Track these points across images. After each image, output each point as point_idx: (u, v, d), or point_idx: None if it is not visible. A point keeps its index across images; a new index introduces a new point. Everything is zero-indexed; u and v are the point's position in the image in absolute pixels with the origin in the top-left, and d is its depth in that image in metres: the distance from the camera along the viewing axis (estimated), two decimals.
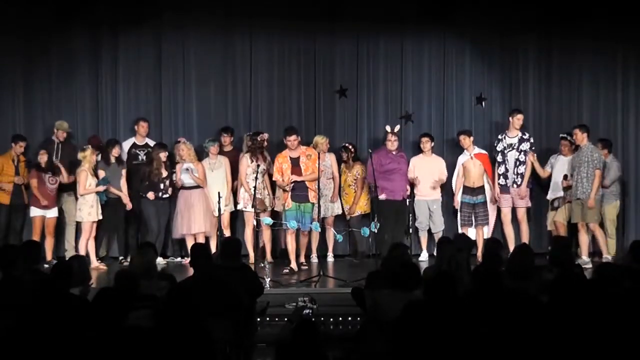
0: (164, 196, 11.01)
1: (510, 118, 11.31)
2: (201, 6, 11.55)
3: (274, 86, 11.92)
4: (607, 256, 10.71)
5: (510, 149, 11.25)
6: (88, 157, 10.53)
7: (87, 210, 10.54)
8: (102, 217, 10.73)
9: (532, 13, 11.90)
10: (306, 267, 10.56)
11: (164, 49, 11.69)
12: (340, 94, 11.94)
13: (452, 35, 12.12)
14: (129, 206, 10.88)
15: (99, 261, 10.73)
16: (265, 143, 10.97)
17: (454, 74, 12.14)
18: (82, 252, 10.29)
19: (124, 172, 10.89)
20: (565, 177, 10.91)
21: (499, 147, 11.32)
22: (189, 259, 10.70)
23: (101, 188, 10.60)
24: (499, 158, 11.30)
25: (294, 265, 10.27)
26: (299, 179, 10.17)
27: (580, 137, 10.72)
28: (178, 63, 11.71)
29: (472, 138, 11.31)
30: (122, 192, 10.81)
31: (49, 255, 10.63)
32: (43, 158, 10.62)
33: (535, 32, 12.13)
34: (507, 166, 11.23)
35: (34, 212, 10.65)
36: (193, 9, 11.56)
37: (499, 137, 11.39)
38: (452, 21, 11.86)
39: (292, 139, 10.22)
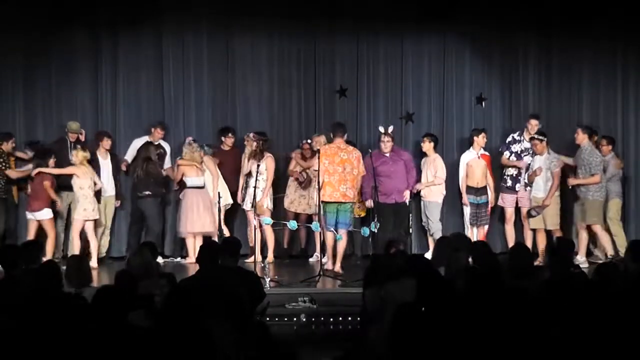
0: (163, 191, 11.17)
1: (526, 123, 11.23)
2: (201, 6, 11.55)
3: (274, 86, 11.93)
4: (598, 254, 10.74)
5: (527, 153, 11.17)
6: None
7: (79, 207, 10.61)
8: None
9: (532, 13, 11.91)
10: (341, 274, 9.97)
11: (164, 48, 11.68)
12: (340, 94, 11.95)
13: (452, 35, 12.13)
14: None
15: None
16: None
17: (454, 74, 12.15)
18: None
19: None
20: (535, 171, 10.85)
21: (515, 148, 11.21)
22: (189, 257, 10.93)
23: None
24: (513, 158, 11.22)
25: (338, 268, 9.97)
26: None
27: (581, 137, 10.73)
28: (178, 63, 11.71)
29: (485, 140, 11.29)
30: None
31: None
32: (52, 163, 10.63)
33: (535, 31, 12.15)
34: (520, 169, 11.17)
35: (46, 214, 10.58)
36: (193, 8, 11.56)
37: (516, 136, 11.26)
38: (452, 21, 11.86)
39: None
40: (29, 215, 10.55)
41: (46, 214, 10.53)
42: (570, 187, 10.89)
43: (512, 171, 11.22)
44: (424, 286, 5.42)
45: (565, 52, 12.21)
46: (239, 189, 11.11)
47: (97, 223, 10.75)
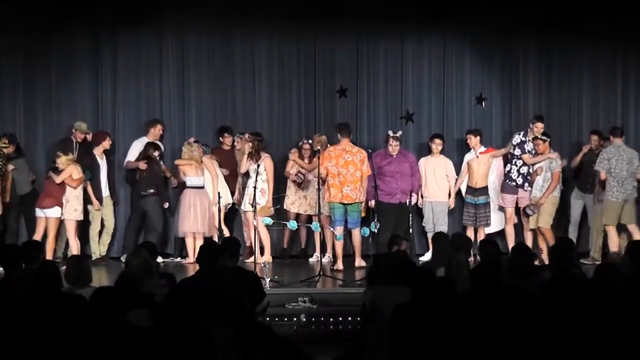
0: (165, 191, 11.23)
1: (532, 125, 11.15)
2: (201, 6, 11.55)
3: (274, 86, 11.93)
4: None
5: (531, 154, 11.13)
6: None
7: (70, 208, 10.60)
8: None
9: (532, 13, 11.90)
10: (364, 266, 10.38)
11: (164, 49, 11.68)
12: (340, 94, 11.95)
13: (452, 35, 12.14)
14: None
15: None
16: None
17: (454, 74, 12.15)
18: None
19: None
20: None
21: (527, 147, 11.10)
22: (189, 257, 10.93)
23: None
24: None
25: (339, 265, 10.30)
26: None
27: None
28: (178, 63, 11.71)
29: (478, 138, 11.27)
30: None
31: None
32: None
33: (535, 32, 12.14)
34: (528, 169, 11.12)
35: (56, 212, 10.52)
36: (193, 8, 11.55)
37: (522, 137, 11.17)
38: (452, 21, 11.86)
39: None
40: (39, 212, 10.51)
41: (56, 212, 10.49)
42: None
43: (524, 169, 11.11)
44: (421, 291, 5.39)
45: (565, 52, 12.21)
46: (236, 190, 11.12)
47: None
